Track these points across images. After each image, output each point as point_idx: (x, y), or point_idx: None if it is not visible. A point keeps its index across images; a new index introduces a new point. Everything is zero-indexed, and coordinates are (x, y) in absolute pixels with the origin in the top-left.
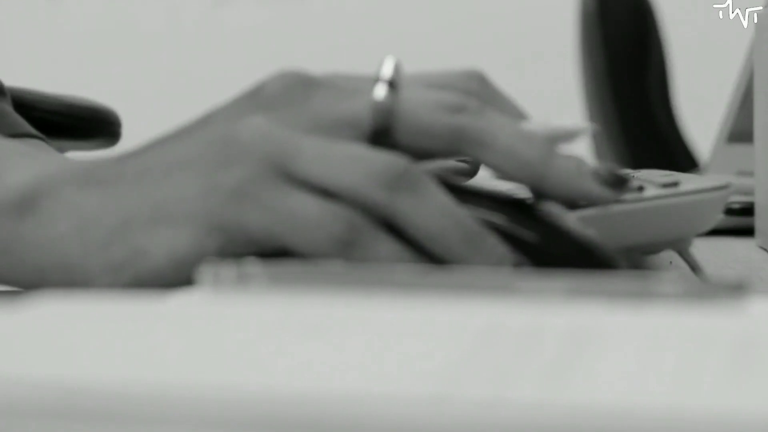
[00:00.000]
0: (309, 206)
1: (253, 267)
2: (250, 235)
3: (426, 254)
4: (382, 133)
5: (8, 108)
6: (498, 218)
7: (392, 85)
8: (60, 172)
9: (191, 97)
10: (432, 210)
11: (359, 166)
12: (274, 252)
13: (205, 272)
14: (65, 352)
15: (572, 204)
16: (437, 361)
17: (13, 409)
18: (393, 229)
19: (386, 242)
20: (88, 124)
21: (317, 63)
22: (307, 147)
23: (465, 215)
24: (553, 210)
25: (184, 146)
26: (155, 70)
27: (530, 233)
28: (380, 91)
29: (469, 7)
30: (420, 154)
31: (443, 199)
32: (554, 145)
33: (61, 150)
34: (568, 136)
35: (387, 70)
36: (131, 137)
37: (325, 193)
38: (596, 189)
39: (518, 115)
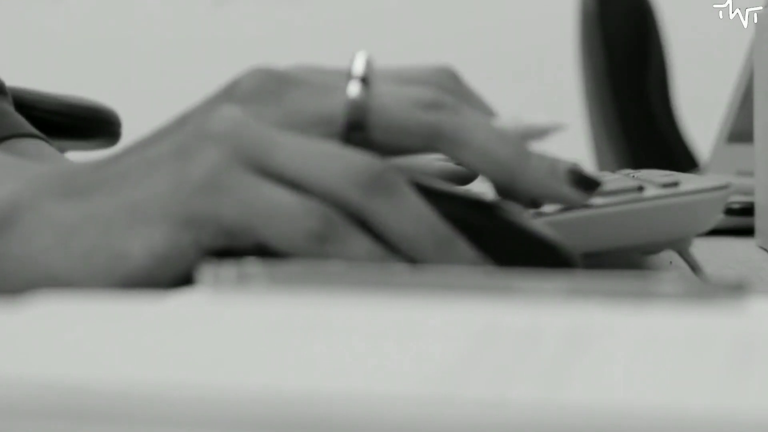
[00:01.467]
0: (284, 199)
1: (253, 267)
2: (224, 227)
3: (399, 254)
4: (356, 130)
5: (9, 108)
6: (463, 217)
7: (365, 81)
8: (39, 184)
9: (191, 97)
10: (405, 214)
11: (336, 164)
12: (258, 249)
13: (205, 272)
14: (65, 352)
15: (535, 204)
16: (437, 361)
17: (13, 409)
18: (367, 228)
19: (360, 240)
20: (88, 124)
21: (316, 62)
22: (283, 141)
23: (437, 220)
24: (517, 210)
25: (159, 146)
26: (155, 70)
27: (493, 231)
28: (354, 88)
29: (469, 7)
30: (394, 151)
31: (417, 203)
32: (527, 144)
33: (61, 150)
34: (540, 133)
35: (359, 66)
36: (131, 137)
37: (299, 188)
38: (567, 191)
39: (488, 112)
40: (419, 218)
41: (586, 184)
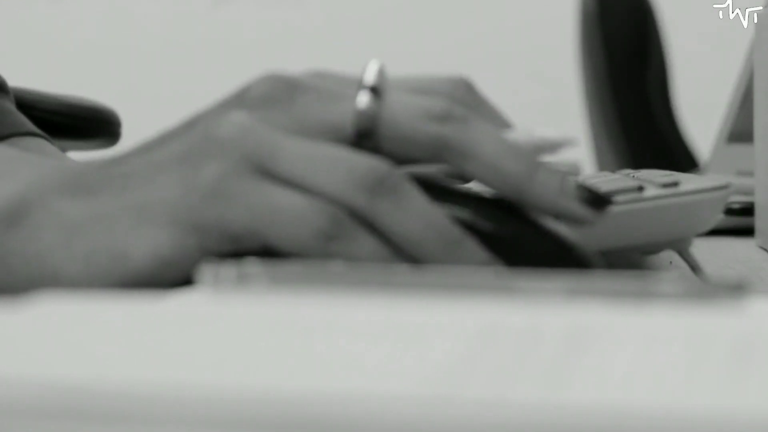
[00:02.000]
0: (290, 200)
1: (253, 267)
2: (230, 233)
3: (406, 255)
4: (365, 139)
5: (11, 106)
6: (476, 217)
7: (375, 90)
8: (46, 181)
9: (191, 97)
10: (412, 216)
11: (341, 167)
12: (262, 250)
13: (205, 272)
14: (65, 352)
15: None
16: (437, 361)
17: (13, 409)
18: (374, 230)
19: (368, 240)
20: (88, 124)
21: (316, 63)
22: (288, 146)
23: (445, 220)
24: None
25: (167, 149)
26: (155, 70)
27: (508, 232)
28: (363, 98)
29: (469, 7)
30: (403, 160)
31: (424, 205)
32: (538, 157)
33: (61, 150)
34: (552, 147)
35: (370, 76)
36: (131, 137)
37: (305, 192)
38: (576, 208)
39: (502, 123)
40: (426, 219)
41: (596, 201)
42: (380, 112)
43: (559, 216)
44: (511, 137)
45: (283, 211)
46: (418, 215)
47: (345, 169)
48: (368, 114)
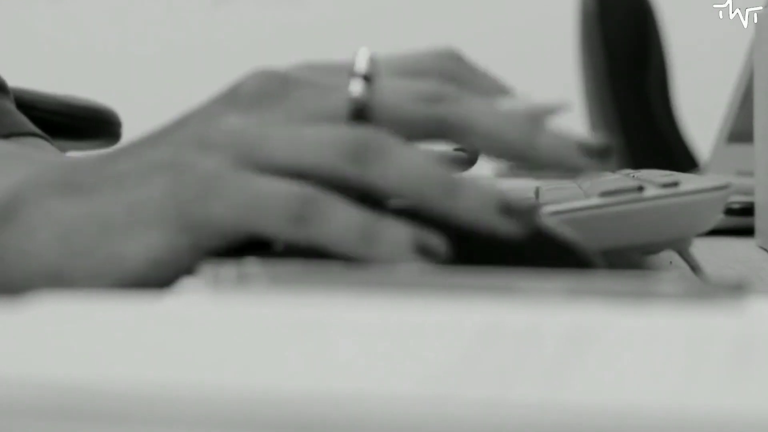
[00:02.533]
0: (269, 187)
1: (253, 267)
2: (218, 229)
3: (392, 216)
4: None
5: (10, 106)
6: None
7: (367, 78)
8: (40, 179)
9: (191, 97)
10: (405, 170)
11: (323, 143)
12: (261, 250)
13: (205, 272)
14: (65, 352)
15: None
16: (437, 361)
17: (13, 409)
18: (373, 198)
19: (343, 211)
20: (88, 124)
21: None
22: (273, 134)
23: (439, 166)
24: (533, 210)
25: (159, 148)
26: (155, 69)
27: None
28: (356, 87)
29: (469, 7)
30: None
31: (414, 156)
32: (536, 121)
33: (61, 150)
34: (548, 111)
35: (361, 64)
36: (131, 137)
37: (294, 175)
38: (581, 161)
39: (498, 89)
40: (420, 170)
41: (599, 152)
42: (373, 98)
43: (566, 171)
44: (507, 104)
45: (262, 198)
46: (411, 167)
47: (329, 144)
48: (362, 101)
